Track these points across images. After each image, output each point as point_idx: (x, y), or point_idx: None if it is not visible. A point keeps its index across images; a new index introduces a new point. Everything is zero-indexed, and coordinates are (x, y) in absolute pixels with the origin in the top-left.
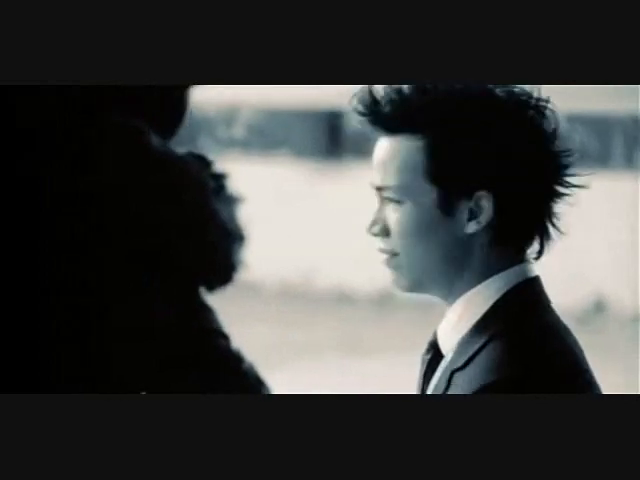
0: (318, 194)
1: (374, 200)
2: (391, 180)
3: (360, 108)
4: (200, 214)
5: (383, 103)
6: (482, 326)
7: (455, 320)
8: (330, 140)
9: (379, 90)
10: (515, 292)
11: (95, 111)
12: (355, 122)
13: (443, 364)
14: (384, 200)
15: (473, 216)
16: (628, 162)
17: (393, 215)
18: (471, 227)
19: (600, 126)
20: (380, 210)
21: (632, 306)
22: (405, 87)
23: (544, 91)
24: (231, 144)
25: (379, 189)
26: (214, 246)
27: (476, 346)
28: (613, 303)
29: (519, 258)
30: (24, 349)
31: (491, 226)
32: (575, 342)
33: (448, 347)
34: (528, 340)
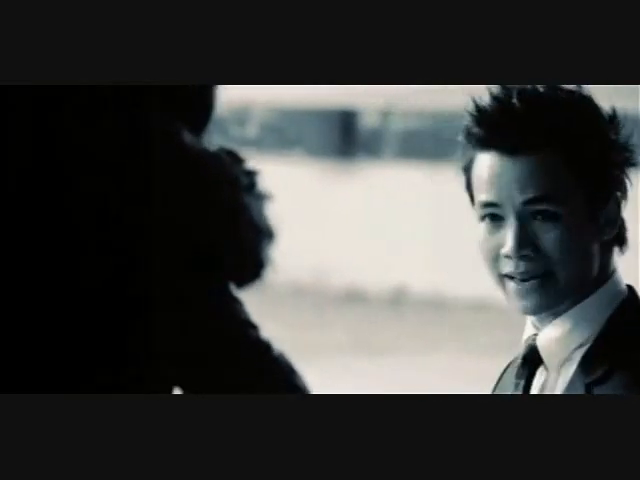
0: (331, 193)
1: (386, 199)
2: (543, 192)
3: (498, 143)
4: (233, 210)
5: (510, 128)
6: (607, 339)
7: (564, 333)
8: (343, 139)
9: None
10: (627, 303)
11: (126, 108)
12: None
13: (548, 376)
14: (525, 218)
15: (609, 221)
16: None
17: (545, 230)
18: (609, 232)
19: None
20: (521, 229)
21: None
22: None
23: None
24: (244, 143)
25: (529, 202)
26: (245, 242)
27: (609, 359)
28: None
29: (612, 267)
30: (50, 347)
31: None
32: None
33: (557, 359)
34: None
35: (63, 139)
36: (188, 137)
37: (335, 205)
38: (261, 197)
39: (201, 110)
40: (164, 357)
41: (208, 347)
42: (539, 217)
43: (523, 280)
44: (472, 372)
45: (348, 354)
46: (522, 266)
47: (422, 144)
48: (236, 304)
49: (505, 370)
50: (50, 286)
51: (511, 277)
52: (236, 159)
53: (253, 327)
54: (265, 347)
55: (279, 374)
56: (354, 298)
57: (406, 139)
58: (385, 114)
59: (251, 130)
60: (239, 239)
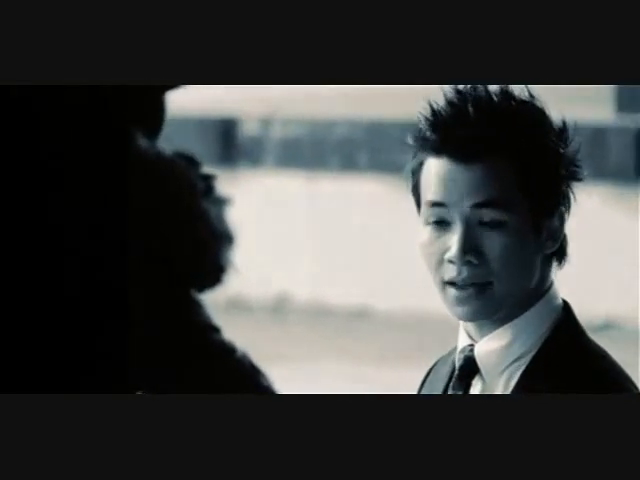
0: None
1: (267, 207)
2: (491, 197)
3: (448, 149)
4: (190, 215)
5: (464, 133)
6: (547, 353)
7: (504, 345)
8: (224, 148)
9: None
10: (564, 318)
11: (79, 113)
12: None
13: (486, 388)
14: (471, 224)
15: (551, 235)
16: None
17: (491, 237)
18: (549, 247)
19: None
20: (467, 235)
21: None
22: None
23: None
24: None
25: (476, 207)
26: (204, 247)
27: (551, 380)
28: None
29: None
30: (20, 348)
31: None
32: None
33: (495, 372)
34: (601, 363)
35: (11, 141)
36: (143, 141)
37: None
38: (219, 201)
39: (154, 115)
40: (131, 361)
41: (174, 351)
42: (485, 225)
43: (463, 286)
44: (356, 378)
45: None
46: (464, 271)
47: (302, 152)
48: (199, 308)
49: (427, 375)
50: (15, 289)
51: (452, 284)
52: (192, 163)
53: (216, 330)
54: (230, 349)
55: (245, 374)
56: (236, 307)
57: (286, 147)
58: (265, 122)
59: None
60: (198, 244)
